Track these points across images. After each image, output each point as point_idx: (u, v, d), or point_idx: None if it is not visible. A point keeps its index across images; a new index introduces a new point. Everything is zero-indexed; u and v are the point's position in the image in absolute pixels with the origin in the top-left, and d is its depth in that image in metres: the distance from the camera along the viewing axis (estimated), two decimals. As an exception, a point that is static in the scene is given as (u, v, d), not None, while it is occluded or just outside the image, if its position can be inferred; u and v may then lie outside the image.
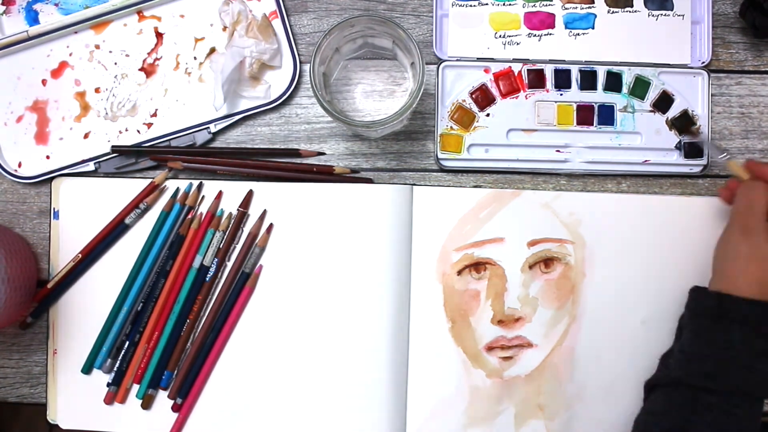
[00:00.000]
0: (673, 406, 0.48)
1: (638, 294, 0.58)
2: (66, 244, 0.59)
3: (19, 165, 0.60)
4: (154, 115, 0.60)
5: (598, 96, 0.60)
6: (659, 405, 0.49)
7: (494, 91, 0.59)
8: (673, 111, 0.60)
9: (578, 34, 0.60)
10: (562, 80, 0.59)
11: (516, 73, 0.60)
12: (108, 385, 0.58)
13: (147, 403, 0.58)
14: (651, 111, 0.60)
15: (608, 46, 0.60)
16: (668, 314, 0.58)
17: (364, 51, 0.59)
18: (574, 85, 0.59)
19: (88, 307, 0.59)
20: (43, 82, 0.60)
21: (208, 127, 0.59)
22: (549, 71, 0.59)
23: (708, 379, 0.47)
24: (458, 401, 0.57)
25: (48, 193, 0.60)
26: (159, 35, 0.61)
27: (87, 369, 0.58)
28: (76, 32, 0.61)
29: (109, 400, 0.58)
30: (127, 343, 0.58)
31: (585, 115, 0.59)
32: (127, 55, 0.61)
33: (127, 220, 0.58)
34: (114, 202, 0.59)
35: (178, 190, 0.59)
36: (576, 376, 0.58)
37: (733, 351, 0.47)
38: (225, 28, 0.60)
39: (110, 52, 0.61)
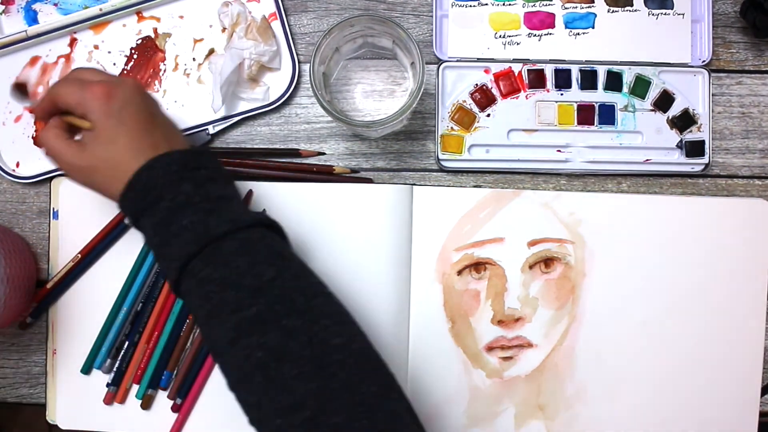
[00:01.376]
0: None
1: (638, 294, 0.58)
2: (65, 244, 0.59)
3: (17, 165, 0.60)
4: (154, 115, 0.60)
5: (598, 95, 0.59)
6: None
7: (495, 91, 0.59)
8: (674, 110, 0.60)
9: (578, 34, 0.60)
10: (563, 80, 0.59)
11: (516, 74, 0.59)
12: (107, 385, 0.58)
13: (147, 403, 0.58)
14: (652, 110, 0.59)
15: (608, 45, 0.60)
16: (668, 314, 0.58)
17: (364, 51, 0.59)
18: (575, 84, 0.59)
19: (87, 307, 0.59)
20: (43, 82, 0.60)
21: (207, 129, 0.59)
22: (549, 71, 0.59)
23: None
24: (458, 401, 0.57)
25: (47, 193, 0.60)
26: (158, 36, 0.61)
27: (86, 369, 0.58)
28: (75, 32, 0.60)
29: (108, 400, 0.58)
30: (127, 343, 0.58)
31: (586, 114, 0.59)
32: (126, 56, 0.60)
33: (127, 220, 0.58)
34: (114, 202, 0.58)
35: (177, 190, 0.59)
36: (576, 375, 0.58)
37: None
38: (224, 30, 0.60)
39: (109, 52, 0.60)
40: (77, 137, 0.49)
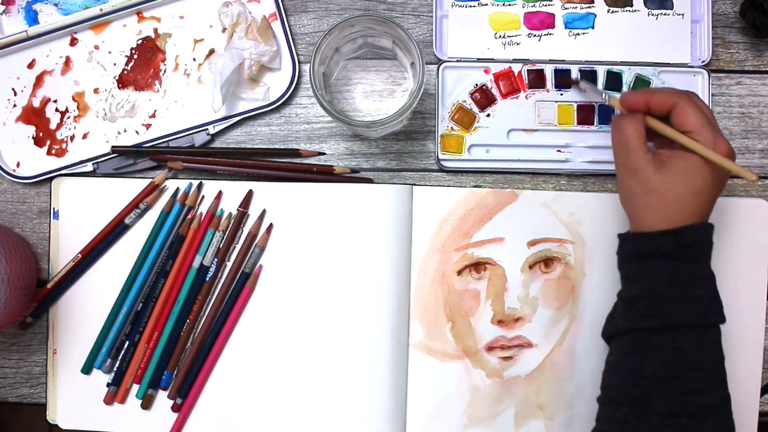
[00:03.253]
0: (625, 354, 0.47)
1: (638, 294, 0.58)
2: (66, 244, 0.59)
3: (18, 165, 0.60)
4: (153, 116, 0.60)
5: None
6: (614, 356, 0.49)
7: (494, 91, 0.59)
8: (673, 111, 0.60)
9: (578, 34, 0.60)
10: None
11: (516, 74, 0.59)
12: (108, 385, 0.58)
13: (147, 403, 0.58)
14: (651, 111, 0.60)
15: (608, 45, 0.60)
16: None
17: (364, 51, 0.59)
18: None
19: (88, 307, 0.59)
20: (42, 82, 0.60)
21: (207, 129, 0.59)
22: (549, 71, 0.59)
23: (646, 319, 0.46)
24: (458, 401, 0.57)
25: (48, 193, 0.60)
26: (158, 36, 0.61)
27: (87, 369, 0.58)
28: (75, 32, 0.61)
29: (109, 400, 0.58)
30: (127, 343, 0.58)
31: (585, 114, 0.59)
32: (126, 56, 0.60)
33: (127, 220, 0.58)
34: (114, 202, 0.59)
35: (178, 190, 0.59)
36: (576, 375, 0.58)
37: (661, 286, 0.46)
38: (224, 30, 0.60)
39: (109, 52, 0.61)
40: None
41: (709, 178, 0.46)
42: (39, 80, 0.60)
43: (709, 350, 0.46)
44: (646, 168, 0.46)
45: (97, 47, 0.61)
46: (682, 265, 0.46)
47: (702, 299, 0.46)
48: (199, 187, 0.59)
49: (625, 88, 0.59)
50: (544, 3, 0.60)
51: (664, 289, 0.46)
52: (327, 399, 0.57)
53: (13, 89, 0.60)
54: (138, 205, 0.58)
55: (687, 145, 0.46)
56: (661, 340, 0.46)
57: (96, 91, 0.60)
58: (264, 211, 0.58)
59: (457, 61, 0.60)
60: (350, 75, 0.60)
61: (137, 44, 0.60)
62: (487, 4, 0.60)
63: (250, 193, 0.58)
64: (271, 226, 0.58)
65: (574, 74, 0.59)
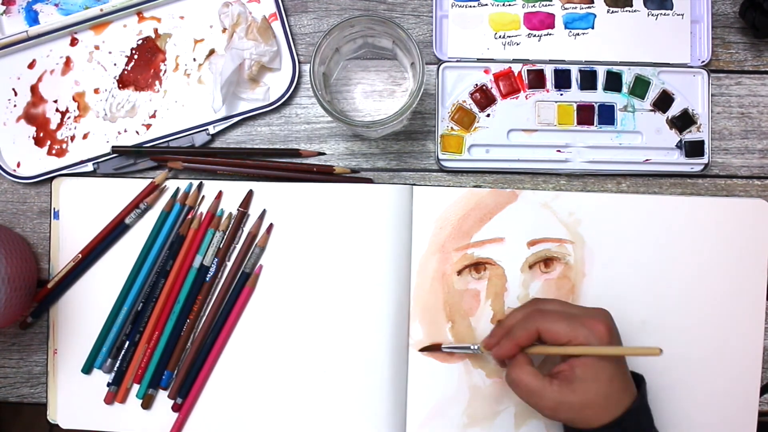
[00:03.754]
0: None
1: (638, 294, 0.58)
2: (66, 244, 0.59)
3: (18, 165, 0.60)
4: (153, 116, 0.60)
5: (598, 96, 0.60)
6: None
7: (494, 91, 0.59)
8: (674, 110, 0.60)
9: (578, 34, 0.60)
10: (562, 80, 0.59)
11: (516, 74, 0.60)
12: (108, 385, 0.58)
13: (147, 403, 0.58)
14: (651, 110, 0.60)
15: (608, 45, 0.60)
16: (668, 314, 0.58)
17: (364, 51, 0.59)
18: (574, 85, 0.59)
19: (88, 307, 0.59)
20: (43, 82, 0.60)
21: (207, 129, 0.59)
22: (549, 71, 0.59)
23: None
24: (458, 401, 0.57)
25: (48, 193, 0.60)
26: (158, 36, 0.61)
27: (87, 369, 0.58)
28: (75, 33, 0.61)
29: (109, 400, 0.58)
30: (127, 343, 0.58)
31: (585, 114, 0.59)
32: (126, 56, 0.61)
33: (127, 220, 0.58)
34: (114, 202, 0.59)
35: (178, 190, 0.59)
36: (576, 375, 0.58)
37: None
38: (224, 30, 0.60)
39: (110, 52, 0.61)
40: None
41: (613, 365, 0.47)
42: (39, 80, 0.60)
43: None
44: (557, 395, 0.47)
45: (97, 47, 0.61)
46: None
47: None
48: (199, 187, 0.59)
49: (625, 89, 0.59)
50: (544, 3, 0.60)
51: None
52: (327, 399, 0.57)
53: (13, 89, 0.60)
54: (138, 205, 0.58)
55: (578, 354, 0.47)
56: None
57: (96, 91, 0.60)
58: (264, 211, 0.58)
59: (457, 61, 0.60)
60: (350, 75, 0.60)
61: (137, 44, 0.61)
62: (487, 4, 0.60)
63: (250, 193, 0.58)
64: (271, 226, 0.58)
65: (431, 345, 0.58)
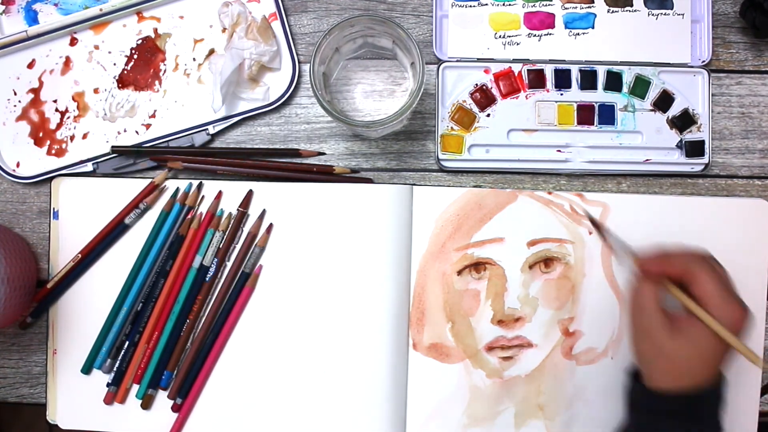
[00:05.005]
0: None
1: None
2: (66, 244, 0.59)
3: (18, 165, 0.60)
4: (153, 116, 0.60)
5: (598, 95, 0.59)
6: None
7: (494, 91, 0.59)
8: (674, 110, 0.60)
9: (578, 34, 0.60)
10: (563, 80, 0.59)
11: (516, 74, 0.59)
12: (108, 385, 0.58)
13: (147, 403, 0.58)
14: (651, 110, 0.60)
15: (608, 45, 0.60)
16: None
17: (364, 51, 0.59)
18: (575, 84, 0.59)
19: (88, 307, 0.59)
20: (42, 82, 0.60)
21: (207, 129, 0.59)
22: (549, 71, 0.59)
23: None
24: (458, 401, 0.57)
25: (48, 193, 0.60)
26: (158, 36, 0.61)
27: (87, 369, 0.58)
28: (75, 32, 0.61)
29: (108, 400, 0.58)
30: (127, 343, 0.58)
31: (585, 114, 0.59)
32: (126, 56, 0.60)
33: (127, 220, 0.58)
34: (114, 202, 0.59)
35: (177, 190, 0.59)
36: (576, 375, 0.58)
37: None
38: (224, 30, 0.60)
39: (109, 52, 0.61)
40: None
41: (720, 346, 0.47)
42: (39, 80, 0.60)
43: None
44: (660, 333, 0.47)
45: (97, 47, 0.61)
46: (689, 424, 0.47)
47: None
48: (199, 187, 0.59)
49: (625, 88, 0.59)
50: (544, 3, 0.60)
51: None
52: (327, 399, 0.57)
53: (13, 89, 0.60)
54: (138, 205, 0.58)
55: (700, 317, 0.47)
56: None
57: (96, 91, 0.60)
58: (264, 211, 0.58)
59: (457, 61, 0.60)
60: (350, 75, 0.60)
61: (137, 44, 0.60)
62: (487, 4, 0.60)
63: (250, 193, 0.58)
64: (271, 226, 0.58)
65: (599, 221, 0.57)
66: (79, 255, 0.58)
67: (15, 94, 0.60)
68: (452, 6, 0.60)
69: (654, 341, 0.48)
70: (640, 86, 0.59)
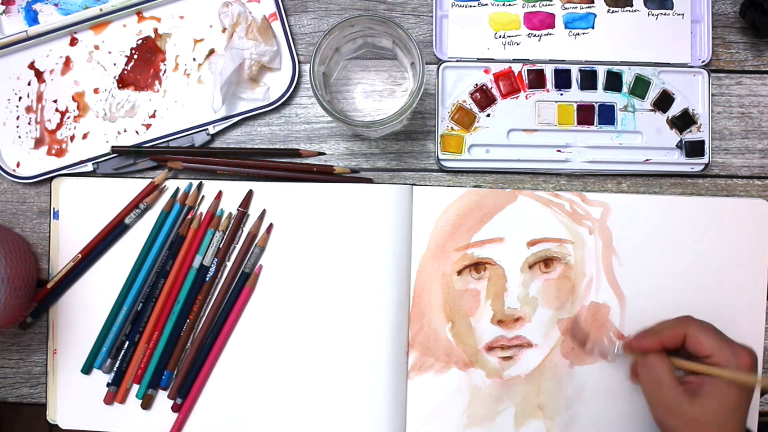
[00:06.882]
0: None
1: (638, 294, 0.58)
2: (66, 244, 0.59)
3: (18, 165, 0.60)
4: (153, 116, 0.60)
5: (598, 96, 0.60)
6: None
7: (494, 91, 0.59)
8: (674, 110, 0.60)
9: (578, 34, 0.60)
10: (563, 80, 0.59)
11: (516, 74, 0.59)
12: (108, 385, 0.58)
13: (147, 403, 0.58)
14: (651, 110, 0.60)
15: (608, 45, 0.60)
16: (668, 314, 0.57)
17: (364, 51, 0.59)
18: (575, 84, 0.59)
19: (88, 307, 0.59)
20: (42, 82, 0.60)
21: (207, 129, 0.59)
22: (549, 71, 0.59)
23: None
24: (458, 401, 0.57)
25: (48, 193, 0.60)
26: (158, 36, 0.61)
27: (87, 369, 0.58)
28: (75, 32, 0.61)
29: (109, 400, 0.58)
30: (127, 343, 0.58)
31: (585, 114, 0.59)
32: (126, 56, 0.60)
33: (127, 220, 0.58)
34: (114, 202, 0.59)
35: (178, 190, 0.59)
36: (576, 375, 0.58)
37: None
38: (224, 30, 0.60)
39: (109, 52, 0.61)
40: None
41: (743, 395, 0.48)
42: (39, 80, 0.60)
43: None
44: (683, 403, 0.48)
45: (97, 47, 0.61)
46: None
47: None
48: (199, 187, 0.59)
49: (625, 88, 0.59)
50: (544, 3, 0.60)
51: None
52: (327, 399, 0.57)
53: (13, 89, 0.60)
54: (138, 205, 0.58)
55: (717, 376, 0.47)
56: None
57: (96, 91, 0.60)
58: (264, 211, 0.58)
59: (457, 61, 0.60)
60: (350, 75, 0.60)
61: (137, 44, 0.61)
62: (487, 4, 0.60)
63: (250, 193, 0.58)
64: (271, 226, 0.58)
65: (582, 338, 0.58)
66: (79, 255, 0.58)
67: (15, 94, 0.60)
68: (452, 6, 0.60)
69: (679, 412, 0.48)
70: (640, 86, 0.59)
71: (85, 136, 0.60)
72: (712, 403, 0.47)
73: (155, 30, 0.61)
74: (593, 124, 0.59)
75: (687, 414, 0.47)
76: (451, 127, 0.59)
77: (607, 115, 0.59)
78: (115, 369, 0.58)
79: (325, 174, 0.59)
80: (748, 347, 0.49)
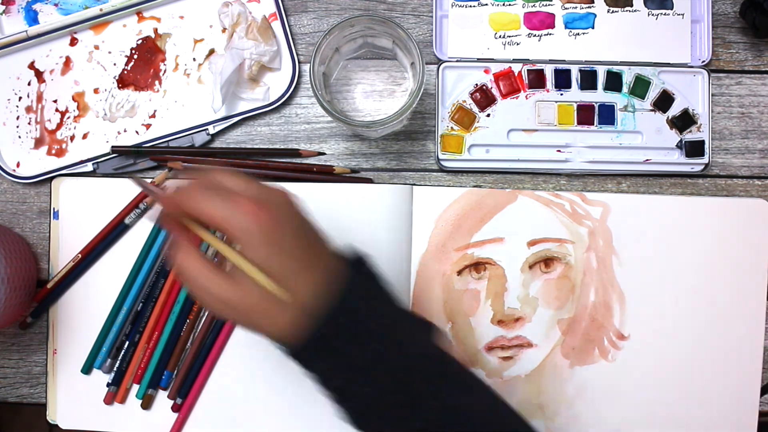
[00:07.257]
0: None
1: (638, 294, 0.58)
2: (66, 244, 0.59)
3: (18, 165, 0.60)
4: (153, 116, 0.60)
5: (598, 96, 0.59)
6: None
7: (494, 91, 0.59)
8: (674, 110, 0.60)
9: (578, 34, 0.60)
10: (563, 80, 0.59)
11: (516, 74, 0.59)
12: (108, 385, 0.58)
13: (147, 403, 0.58)
14: (651, 110, 0.60)
15: (608, 45, 0.60)
16: (668, 314, 0.58)
17: (364, 51, 0.59)
18: (575, 84, 0.59)
19: (88, 307, 0.59)
20: (42, 82, 0.60)
21: (207, 129, 0.59)
22: (549, 71, 0.59)
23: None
24: (458, 401, 0.57)
25: (48, 193, 0.60)
26: (158, 36, 0.61)
27: (87, 369, 0.58)
28: (75, 32, 0.61)
29: (109, 400, 0.58)
30: (127, 343, 0.58)
31: (585, 114, 0.59)
32: (126, 56, 0.60)
33: (127, 220, 0.58)
34: (114, 202, 0.59)
35: (177, 190, 0.59)
36: (576, 375, 0.58)
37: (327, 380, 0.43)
38: (224, 30, 0.60)
39: (109, 52, 0.61)
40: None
41: (282, 257, 0.38)
42: (39, 80, 0.60)
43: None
44: (221, 289, 0.38)
45: (97, 47, 0.61)
46: (335, 353, 0.40)
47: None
48: (199, 187, 0.59)
49: (625, 89, 0.59)
50: (544, 3, 0.60)
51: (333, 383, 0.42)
52: (326, 399, 0.57)
53: (13, 89, 0.60)
54: (138, 205, 0.58)
55: (226, 256, 0.38)
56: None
57: (96, 91, 0.60)
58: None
59: (457, 61, 0.60)
60: (350, 75, 0.60)
61: (137, 44, 0.60)
62: (487, 4, 0.60)
63: (249, 193, 0.58)
64: (271, 226, 0.58)
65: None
66: (79, 255, 0.58)
67: (15, 94, 0.60)
68: (452, 6, 0.60)
69: (229, 303, 0.38)
70: (640, 86, 0.59)
71: (85, 136, 0.60)
72: (248, 283, 0.37)
73: (155, 30, 0.61)
74: (593, 124, 0.59)
75: (235, 304, 0.37)
76: (451, 127, 0.59)
77: (607, 115, 0.59)
78: (115, 369, 0.58)
79: (325, 174, 0.59)
80: (275, 191, 0.39)
